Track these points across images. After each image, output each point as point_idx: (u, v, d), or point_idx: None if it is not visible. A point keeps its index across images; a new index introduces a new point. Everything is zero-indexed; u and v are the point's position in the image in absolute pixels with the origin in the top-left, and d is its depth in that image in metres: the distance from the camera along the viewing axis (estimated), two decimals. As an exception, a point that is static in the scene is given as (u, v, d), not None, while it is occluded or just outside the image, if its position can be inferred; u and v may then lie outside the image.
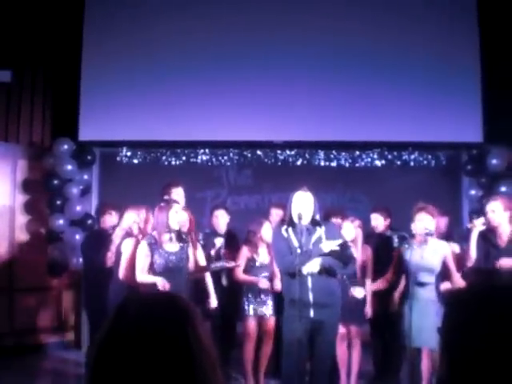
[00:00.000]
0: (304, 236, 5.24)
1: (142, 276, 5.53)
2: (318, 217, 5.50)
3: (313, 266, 5.23)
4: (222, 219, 6.91)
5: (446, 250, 5.64)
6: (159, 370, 1.36)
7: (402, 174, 8.85)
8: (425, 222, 5.60)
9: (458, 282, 5.55)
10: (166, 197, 6.17)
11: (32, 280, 8.45)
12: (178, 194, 6.65)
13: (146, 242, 5.54)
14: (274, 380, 6.47)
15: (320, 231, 5.38)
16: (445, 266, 5.63)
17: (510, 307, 1.44)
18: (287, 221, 5.49)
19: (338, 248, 5.26)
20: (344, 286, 6.33)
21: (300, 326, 5.17)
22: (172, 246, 5.55)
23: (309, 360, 5.47)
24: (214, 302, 6.07)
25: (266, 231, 6.49)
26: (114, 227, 6.61)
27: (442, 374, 1.51)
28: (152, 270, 5.52)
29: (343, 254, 5.36)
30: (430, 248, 5.61)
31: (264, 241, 6.49)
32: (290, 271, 5.33)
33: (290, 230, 5.42)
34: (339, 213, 6.95)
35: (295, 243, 5.34)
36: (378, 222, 6.98)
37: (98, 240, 6.66)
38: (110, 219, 6.95)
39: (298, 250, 5.29)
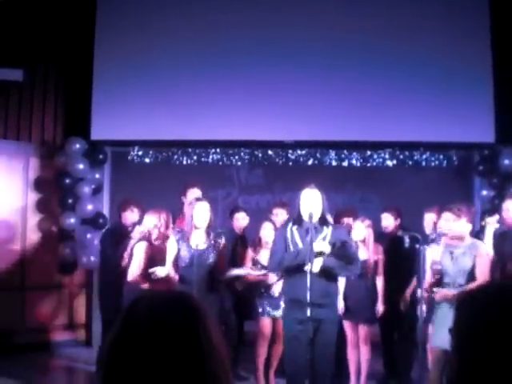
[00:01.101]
0: (311, 235, 5.20)
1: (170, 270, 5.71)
2: (328, 216, 5.46)
3: (314, 266, 5.19)
4: (242, 222, 6.97)
5: (478, 250, 5.45)
6: (170, 368, 1.37)
7: (413, 174, 8.81)
8: (449, 222, 5.52)
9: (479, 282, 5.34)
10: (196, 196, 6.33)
11: (44, 278, 8.49)
12: (193, 194, 6.70)
13: (173, 237, 5.66)
14: (283, 379, 6.47)
15: (327, 231, 5.34)
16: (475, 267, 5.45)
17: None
18: (295, 219, 5.45)
19: (328, 251, 5.23)
20: (355, 285, 6.34)
21: (299, 324, 5.17)
22: (198, 243, 5.61)
23: (311, 359, 5.42)
24: None
25: (265, 232, 6.50)
26: (134, 224, 6.62)
27: (452, 374, 1.51)
28: (177, 264, 5.64)
29: (345, 254, 5.31)
30: (462, 249, 5.48)
31: (263, 242, 6.50)
32: (278, 269, 5.33)
33: (295, 228, 5.38)
34: (351, 213, 6.94)
35: (299, 242, 5.31)
36: (389, 221, 6.97)
37: (117, 237, 6.67)
38: (131, 216, 6.91)
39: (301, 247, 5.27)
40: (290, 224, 5.46)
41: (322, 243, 5.25)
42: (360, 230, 6.44)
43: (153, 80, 8.57)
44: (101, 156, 8.71)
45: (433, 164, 8.87)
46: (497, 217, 5.99)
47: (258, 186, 9.16)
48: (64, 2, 8.85)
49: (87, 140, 8.54)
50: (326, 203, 5.41)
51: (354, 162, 8.90)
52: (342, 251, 5.28)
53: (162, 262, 5.85)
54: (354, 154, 8.91)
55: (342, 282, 6.40)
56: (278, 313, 6.38)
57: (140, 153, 8.91)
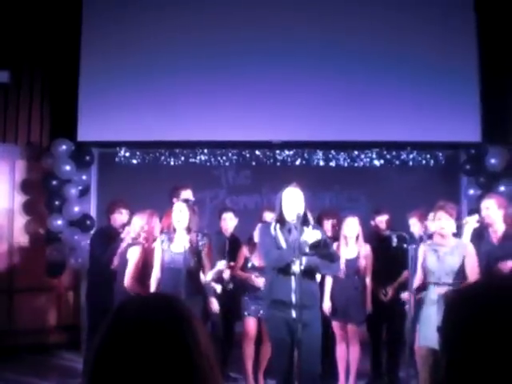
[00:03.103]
0: (292, 234, 5.18)
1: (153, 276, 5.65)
2: (308, 214, 5.40)
3: (296, 266, 5.15)
4: (230, 222, 6.94)
5: (466, 249, 5.51)
6: (158, 371, 1.36)
7: (400, 173, 8.85)
8: (442, 220, 5.55)
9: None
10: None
11: (31, 280, 8.45)
12: (187, 196, 6.68)
13: (159, 241, 5.62)
14: (273, 380, 6.47)
15: (307, 231, 5.30)
16: (464, 265, 5.49)
17: (509, 307, 1.43)
18: (277, 218, 5.40)
19: (320, 238, 5.19)
20: (344, 285, 6.34)
21: (285, 327, 5.14)
22: (177, 246, 5.53)
23: (298, 360, 5.38)
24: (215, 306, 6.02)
25: (256, 233, 6.50)
26: (123, 226, 6.58)
27: (441, 373, 1.51)
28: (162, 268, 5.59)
29: (326, 252, 5.28)
30: (448, 247, 5.52)
31: (255, 242, 6.51)
32: (278, 266, 5.23)
33: (278, 227, 5.34)
34: (332, 215, 6.93)
35: (282, 242, 5.27)
36: (386, 224, 6.96)
37: (106, 238, 6.64)
38: (120, 218, 6.85)
39: (285, 247, 5.23)
40: (274, 223, 5.41)
41: (313, 232, 5.20)
42: (354, 226, 6.42)
43: (139, 81, 8.54)
44: (87, 157, 8.68)
45: (420, 163, 8.90)
46: (476, 216, 6.04)
47: (246, 186, 9.15)
48: (50, 4, 8.81)
49: (74, 141, 8.51)
50: (306, 202, 5.37)
51: (341, 161, 8.93)
52: (324, 250, 5.25)
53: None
54: (342, 153, 8.93)
55: (328, 282, 6.40)
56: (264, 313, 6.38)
57: (127, 154, 8.89)
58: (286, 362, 5.18)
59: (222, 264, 5.63)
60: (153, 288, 5.57)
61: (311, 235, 5.17)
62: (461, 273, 5.46)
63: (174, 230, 5.61)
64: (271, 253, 5.28)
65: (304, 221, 5.25)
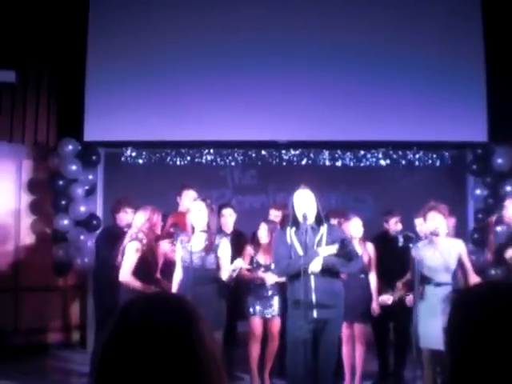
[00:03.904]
0: (308, 236, 5.19)
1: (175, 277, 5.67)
2: (321, 214, 5.42)
3: (315, 266, 5.17)
4: (229, 218, 6.93)
5: (461, 248, 5.58)
6: (163, 371, 1.36)
7: (406, 173, 8.84)
8: (436, 221, 5.57)
9: (474, 279, 5.46)
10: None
11: (37, 280, 8.47)
12: (188, 196, 6.69)
13: (178, 240, 5.63)
14: (279, 380, 6.47)
15: (323, 230, 5.32)
16: (460, 264, 5.56)
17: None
18: (291, 221, 5.42)
19: (335, 252, 5.21)
20: (350, 284, 6.33)
21: (304, 326, 5.14)
22: (195, 246, 5.54)
23: (313, 360, 5.42)
24: None
25: (260, 232, 6.51)
26: (129, 225, 6.60)
27: (446, 373, 1.51)
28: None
29: (345, 252, 5.29)
30: (444, 247, 5.55)
31: (260, 241, 6.51)
32: (288, 274, 5.30)
33: (293, 230, 5.36)
34: (339, 214, 6.91)
35: (298, 244, 5.28)
36: (398, 225, 6.94)
37: (112, 238, 6.64)
38: (125, 217, 6.84)
39: (300, 252, 5.23)
40: (288, 227, 5.43)
41: (327, 248, 5.23)
42: (358, 226, 6.43)
43: (146, 81, 8.56)
44: (94, 157, 8.68)
45: (426, 163, 8.88)
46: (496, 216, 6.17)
47: (252, 186, 9.14)
48: (56, 4, 8.82)
49: (80, 141, 8.52)
50: (318, 202, 5.39)
51: (347, 161, 8.91)
52: (343, 249, 5.26)
53: (154, 262, 5.85)
54: (348, 153, 8.92)
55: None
56: (270, 312, 6.38)
57: (133, 154, 8.90)
58: (302, 363, 5.18)
59: (239, 262, 5.59)
60: (174, 288, 5.59)
61: (327, 250, 5.20)
62: (457, 271, 5.55)
63: (193, 229, 5.61)
64: (280, 263, 5.39)
65: (318, 221, 5.29)
